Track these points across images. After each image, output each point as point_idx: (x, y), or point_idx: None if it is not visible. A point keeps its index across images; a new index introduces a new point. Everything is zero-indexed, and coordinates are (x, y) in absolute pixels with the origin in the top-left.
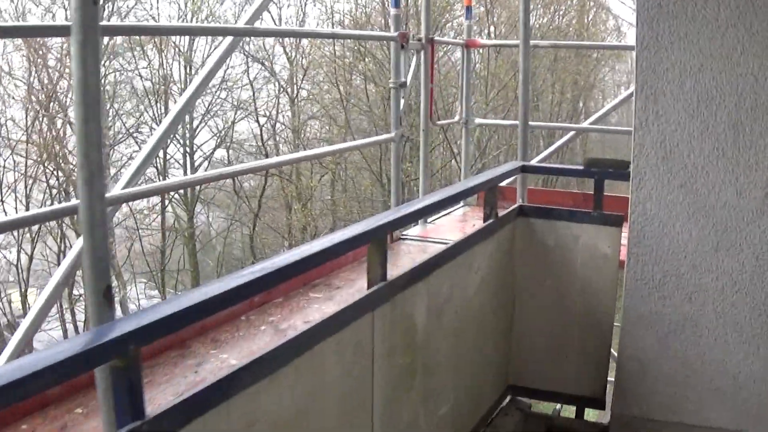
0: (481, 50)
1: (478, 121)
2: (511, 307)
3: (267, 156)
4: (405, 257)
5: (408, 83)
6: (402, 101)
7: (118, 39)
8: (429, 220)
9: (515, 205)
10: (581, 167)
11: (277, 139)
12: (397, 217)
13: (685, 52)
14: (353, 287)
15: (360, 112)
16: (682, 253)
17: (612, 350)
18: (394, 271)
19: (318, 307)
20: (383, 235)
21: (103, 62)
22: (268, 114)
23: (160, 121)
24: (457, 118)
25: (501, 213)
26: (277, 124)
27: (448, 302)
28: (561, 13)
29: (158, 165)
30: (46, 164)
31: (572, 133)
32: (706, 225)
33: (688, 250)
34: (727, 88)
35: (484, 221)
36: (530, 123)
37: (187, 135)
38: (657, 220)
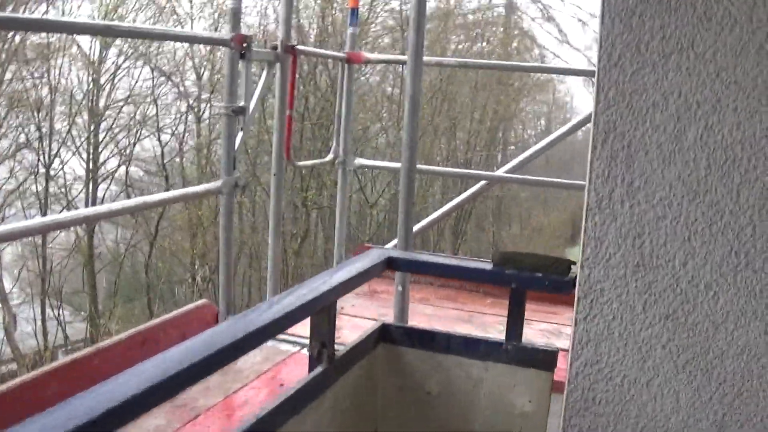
0: (399, 69)
1: (358, 161)
2: None
3: (167, 178)
4: None
5: (251, 108)
6: (240, 134)
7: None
8: None
9: (375, 326)
10: (488, 265)
11: (183, 159)
12: None
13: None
14: None
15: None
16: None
17: None
18: None
19: None
20: None
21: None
22: (173, 131)
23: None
24: (330, 156)
25: (341, 349)
26: (185, 144)
27: None
28: (483, 39)
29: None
30: None
31: (484, 182)
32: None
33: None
34: None
35: (310, 369)
36: (419, 167)
37: (91, 150)
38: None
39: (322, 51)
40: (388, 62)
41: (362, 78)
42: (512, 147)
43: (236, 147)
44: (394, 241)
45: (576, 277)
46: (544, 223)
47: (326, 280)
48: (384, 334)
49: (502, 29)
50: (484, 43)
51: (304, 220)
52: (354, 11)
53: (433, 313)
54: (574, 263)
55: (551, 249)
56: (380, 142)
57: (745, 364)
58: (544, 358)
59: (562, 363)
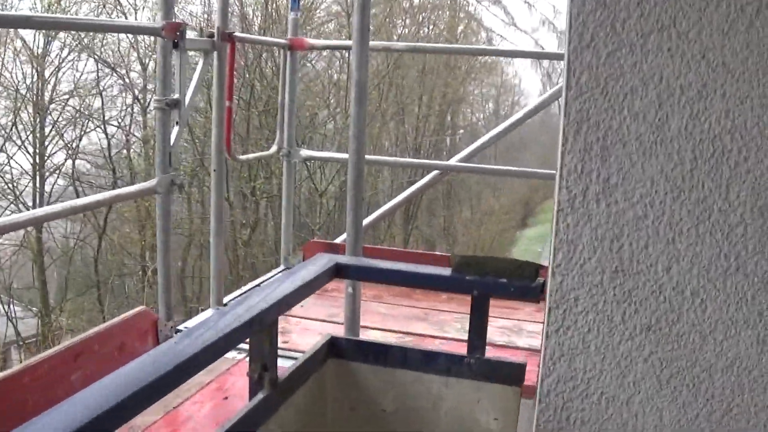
0: (346, 54)
1: (304, 153)
2: None
3: (114, 171)
4: None
5: (187, 100)
6: (175, 129)
7: None
8: None
9: (322, 340)
10: (446, 271)
11: (130, 151)
12: None
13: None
14: None
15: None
16: None
17: None
18: None
19: None
20: None
21: None
22: (119, 123)
23: None
24: (273, 149)
25: (288, 366)
26: (131, 136)
27: None
28: (429, 23)
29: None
30: None
31: (436, 172)
32: None
33: None
34: None
35: (250, 395)
36: (367, 157)
37: (38, 144)
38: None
39: (264, 38)
40: (332, 48)
41: (308, 64)
42: (461, 131)
43: (172, 142)
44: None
45: (544, 282)
46: (495, 206)
47: (267, 294)
48: (333, 349)
49: (448, 13)
50: (431, 27)
51: (254, 209)
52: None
53: (387, 312)
54: (542, 267)
55: (502, 232)
56: (328, 128)
57: (735, 378)
58: (511, 372)
59: (531, 364)
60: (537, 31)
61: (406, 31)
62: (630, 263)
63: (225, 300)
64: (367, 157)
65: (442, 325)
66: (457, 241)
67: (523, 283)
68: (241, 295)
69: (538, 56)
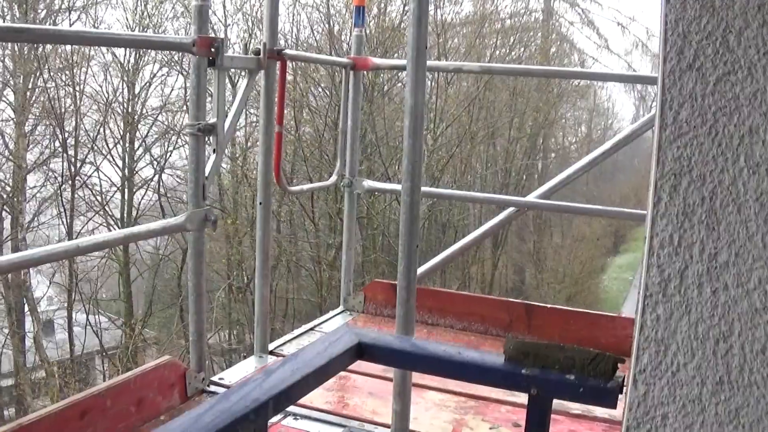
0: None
1: (367, 184)
2: None
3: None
4: None
5: (227, 124)
6: (212, 157)
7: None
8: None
9: None
10: (498, 359)
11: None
12: None
13: None
14: None
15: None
16: None
17: None
18: None
19: None
20: None
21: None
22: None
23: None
24: (332, 179)
25: None
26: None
27: None
28: (521, 45)
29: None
30: None
31: (511, 209)
32: None
33: None
34: None
35: None
36: (430, 190)
37: (127, 158)
38: None
39: (321, 56)
40: (398, 69)
41: (399, 84)
42: (553, 155)
43: (207, 172)
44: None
45: (623, 379)
46: (586, 232)
47: (258, 383)
48: None
49: (540, 34)
50: (522, 48)
51: (340, 230)
52: (359, 9)
53: (430, 402)
54: (622, 361)
55: (592, 259)
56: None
57: None
58: None
59: None
60: (629, 54)
61: (497, 52)
62: (740, 373)
63: (271, 347)
64: (429, 189)
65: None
66: (545, 267)
67: (596, 383)
68: (290, 340)
69: (629, 80)
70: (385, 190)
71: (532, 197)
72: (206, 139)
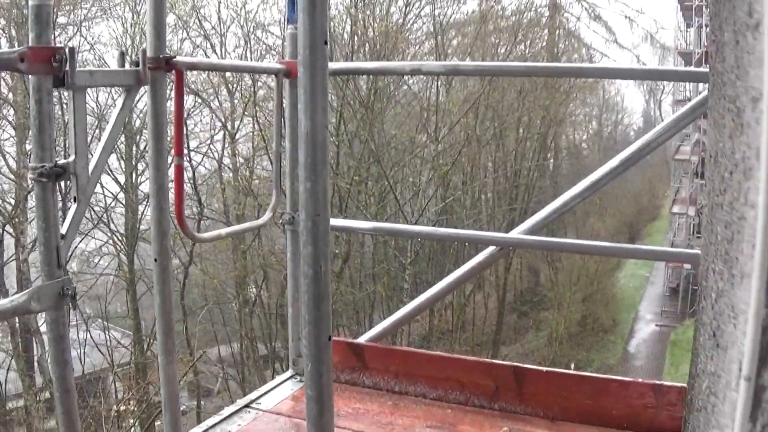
0: (425, 78)
1: (333, 222)
2: None
3: (200, 201)
4: None
5: (92, 163)
6: (73, 208)
7: None
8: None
9: None
10: None
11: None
12: None
13: None
14: None
15: None
16: None
17: None
18: None
19: None
20: None
21: None
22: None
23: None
24: (266, 216)
25: None
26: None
27: None
28: (527, 42)
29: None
30: None
31: (492, 249)
32: None
33: None
34: None
35: None
36: (383, 225)
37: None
38: None
39: (241, 63)
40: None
41: (405, 86)
42: (564, 152)
43: (64, 230)
44: (374, 329)
45: None
46: (600, 230)
47: None
48: None
49: (546, 30)
50: (527, 45)
51: (347, 240)
52: (293, 2)
53: None
54: None
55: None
56: (426, 152)
57: None
58: None
59: None
60: (637, 47)
61: (501, 50)
62: None
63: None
64: (383, 225)
65: None
66: (560, 267)
67: None
68: (216, 424)
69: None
70: (340, 227)
71: (515, 233)
72: (56, 185)
